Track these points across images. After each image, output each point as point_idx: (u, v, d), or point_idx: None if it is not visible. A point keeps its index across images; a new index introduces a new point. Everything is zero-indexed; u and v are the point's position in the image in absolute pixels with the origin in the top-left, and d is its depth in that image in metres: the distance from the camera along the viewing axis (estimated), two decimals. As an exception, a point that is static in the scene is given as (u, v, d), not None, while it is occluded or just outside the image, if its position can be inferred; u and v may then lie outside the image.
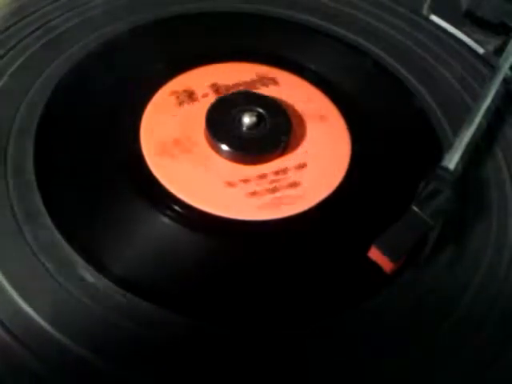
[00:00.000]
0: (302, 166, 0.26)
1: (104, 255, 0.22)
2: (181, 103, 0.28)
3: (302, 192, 0.25)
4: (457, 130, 0.27)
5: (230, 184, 0.25)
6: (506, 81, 0.30)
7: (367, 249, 0.22)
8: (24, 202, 0.23)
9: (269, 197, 0.25)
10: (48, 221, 0.23)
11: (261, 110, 0.27)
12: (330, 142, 0.28)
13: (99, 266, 0.22)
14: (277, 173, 0.26)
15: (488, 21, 0.35)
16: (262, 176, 0.26)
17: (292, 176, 0.26)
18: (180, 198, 0.24)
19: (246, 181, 0.25)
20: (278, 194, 0.25)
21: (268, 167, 0.26)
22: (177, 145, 0.26)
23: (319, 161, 0.27)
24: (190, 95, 0.28)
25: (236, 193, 0.25)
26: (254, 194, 0.25)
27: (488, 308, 0.22)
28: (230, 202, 0.25)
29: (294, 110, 0.28)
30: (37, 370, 0.19)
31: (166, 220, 0.24)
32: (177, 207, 0.24)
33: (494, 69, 0.30)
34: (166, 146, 0.26)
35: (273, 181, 0.26)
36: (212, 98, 0.28)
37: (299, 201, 0.25)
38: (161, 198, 0.24)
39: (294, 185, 0.26)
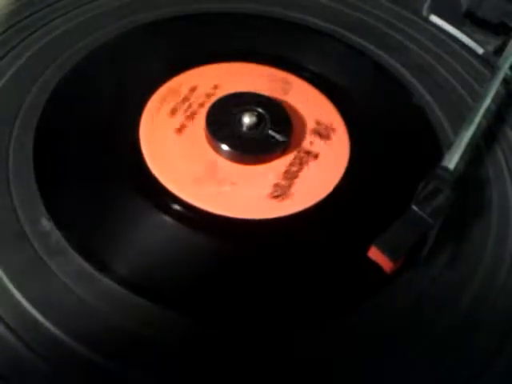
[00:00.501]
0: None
1: (104, 254, 0.22)
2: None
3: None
4: (457, 130, 0.27)
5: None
6: (505, 81, 0.30)
7: (367, 249, 0.22)
8: (24, 201, 0.23)
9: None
10: (48, 220, 0.23)
11: (261, 110, 0.27)
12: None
13: (99, 265, 0.22)
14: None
15: (488, 21, 0.34)
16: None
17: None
18: (179, 196, 0.24)
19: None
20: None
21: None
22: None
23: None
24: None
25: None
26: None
27: (488, 308, 0.22)
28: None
29: (295, 111, 0.28)
30: (38, 368, 0.19)
31: (165, 219, 0.24)
32: (176, 206, 0.24)
33: (493, 69, 0.30)
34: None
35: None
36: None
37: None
38: (160, 196, 0.24)
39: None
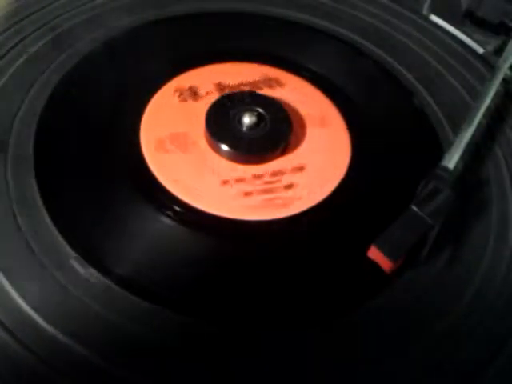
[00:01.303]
0: (302, 166, 0.26)
1: (104, 254, 0.22)
2: (184, 101, 0.28)
3: (303, 191, 0.25)
4: (457, 130, 0.27)
5: (230, 184, 0.25)
6: (505, 81, 0.30)
7: (367, 249, 0.22)
8: (24, 201, 0.23)
9: (270, 197, 0.25)
10: (48, 220, 0.23)
11: (261, 110, 0.27)
12: (331, 141, 0.28)
13: (99, 265, 0.22)
14: (277, 173, 0.26)
15: (488, 21, 0.35)
16: (262, 176, 0.26)
17: (292, 176, 0.26)
18: (179, 197, 0.24)
19: (245, 181, 0.25)
20: (278, 194, 0.25)
21: (269, 167, 0.26)
22: (178, 144, 0.26)
23: (320, 160, 0.27)
24: (194, 93, 0.28)
25: (236, 192, 0.25)
26: (254, 193, 0.25)
27: (488, 307, 0.22)
28: (229, 202, 0.25)
29: (295, 111, 0.28)
30: (37, 369, 0.19)
31: (164, 219, 0.24)
32: (176, 206, 0.24)
33: (493, 69, 0.30)
34: (167, 145, 0.26)
35: (270, 181, 0.26)
36: (215, 97, 0.28)
37: (299, 200, 0.25)
38: (160, 197, 0.24)
39: (294, 184, 0.26)
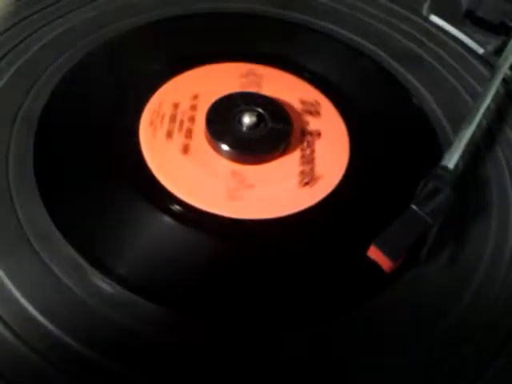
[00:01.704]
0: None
1: (104, 254, 0.22)
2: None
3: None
4: (457, 130, 0.27)
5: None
6: (505, 81, 0.30)
7: (367, 248, 0.22)
8: (25, 201, 0.23)
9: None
10: (48, 220, 0.23)
11: (261, 110, 0.27)
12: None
13: (99, 265, 0.22)
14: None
15: (488, 21, 0.34)
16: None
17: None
18: (179, 196, 0.24)
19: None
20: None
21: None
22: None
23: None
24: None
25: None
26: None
27: (488, 307, 0.22)
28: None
29: (294, 111, 0.28)
30: (38, 367, 0.19)
31: (165, 219, 0.24)
32: (176, 206, 0.24)
33: (493, 69, 0.30)
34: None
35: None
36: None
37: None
38: (159, 196, 0.24)
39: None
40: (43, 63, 0.29)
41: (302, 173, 0.26)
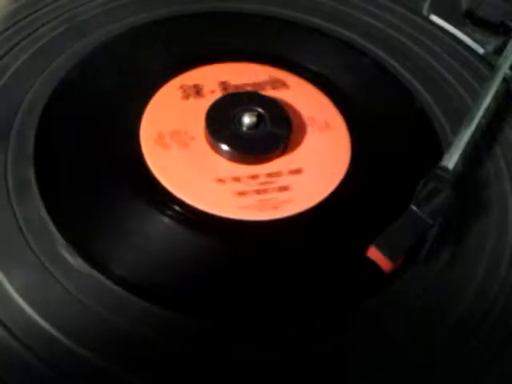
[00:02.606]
0: (301, 166, 0.26)
1: (104, 254, 0.22)
2: (186, 98, 0.28)
3: (303, 190, 0.25)
4: (456, 130, 0.27)
5: (231, 183, 0.25)
6: (505, 80, 0.30)
7: (366, 249, 0.22)
8: (24, 201, 0.23)
9: (271, 196, 0.25)
10: (48, 220, 0.23)
11: (261, 110, 0.27)
12: (331, 141, 0.28)
13: (99, 265, 0.22)
14: (276, 173, 0.26)
15: (488, 21, 0.34)
16: (262, 176, 0.26)
17: (293, 175, 0.26)
18: (179, 196, 0.24)
19: (246, 181, 0.25)
20: (278, 193, 0.25)
21: (269, 167, 0.26)
22: (178, 144, 0.26)
23: (320, 160, 0.27)
24: (198, 92, 0.28)
25: (236, 192, 0.25)
26: (254, 193, 0.25)
27: (488, 307, 0.22)
28: (229, 202, 0.25)
29: (295, 111, 0.28)
30: (37, 369, 0.19)
31: (165, 219, 0.24)
32: (175, 206, 0.24)
33: (493, 69, 0.30)
34: (167, 144, 0.26)
35: (270, 181, 0.26)
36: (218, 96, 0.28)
37: (299, 199, 0.25)
38: (159, 196, 0.24)
39: (294, 183, 0.26)
40: (43, 63, 0.29)
41: None
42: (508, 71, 0.30)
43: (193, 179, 0.25)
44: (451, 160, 0.25)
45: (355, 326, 0.22)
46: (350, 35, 0.33)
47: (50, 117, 0.27)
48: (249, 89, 0.29)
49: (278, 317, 0.22)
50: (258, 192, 0.25)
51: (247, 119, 0.26)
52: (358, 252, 0.22)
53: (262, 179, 0.26)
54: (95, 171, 0.25)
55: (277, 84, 0.30)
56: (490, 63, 0.32)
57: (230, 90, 0.29)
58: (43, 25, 0.30)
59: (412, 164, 0.27)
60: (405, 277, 0.23)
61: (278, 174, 0.26)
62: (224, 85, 0.29)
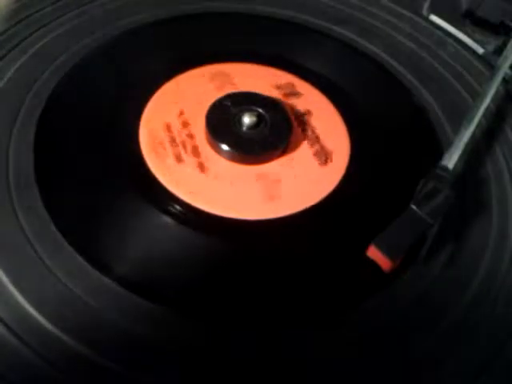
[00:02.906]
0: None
1: (104, 254, 0.22)
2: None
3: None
4: (456, 130, 0.27)
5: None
6: (505, 80, 0.30)
7: (366, 248, 0.22)
8: (25, 201, 0.23)
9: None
10: (48, 220, 0.23)
11: (261, 110, 0.27)
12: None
13: (99, 265, 0.22)
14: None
15: (488, 21, 0.34)
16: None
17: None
18: (179, 196, 0.24)
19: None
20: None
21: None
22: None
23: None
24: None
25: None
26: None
27: (488, 307, 0.22)
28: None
29: (294, 110, 0.28)
30: (38, 368, 0.19)
31: (165, 219, 0.24)
32: (176, 206, 0.24)
33: (493, 69, 0.30)
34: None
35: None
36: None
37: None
38: (159, 196, 0.24)
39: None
40: (43, 63, 0.29)
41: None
42: (508, 71, 0.30)
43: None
44: (451, 160, 0.25)
45: (355, 325, 0.22)
46: (350, 35, 0.33)
47: (50, 117, 0.27)
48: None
49: (278, 317, 0.22)
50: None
51: (247, 119, 0.26)
52: (358, 252, 0.22)
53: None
54: (95, 171, 0.25)
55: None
56: (490, 63, 0.32)
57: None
58: (44, 25, 0.31)
59: (412, 164, 0.27)
60: (405, 277, 0.23)
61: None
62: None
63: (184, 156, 0.26)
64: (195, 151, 0.26)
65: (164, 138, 0.27)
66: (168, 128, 0.27)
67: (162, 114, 0.28)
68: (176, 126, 0.27)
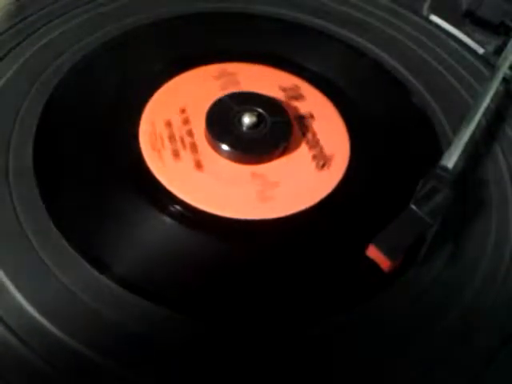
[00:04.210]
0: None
1: (104, 254, 0.22)
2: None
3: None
4: (456, 130, 0.27)
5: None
6: (505, 80, 0.30)
7: (366, 248, 0.22)
8: (25, 201, 0.23)
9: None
10: (48, 220, 0.23)
11: (261, 110, 0.27)
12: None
13: (99, 265, 0.22)
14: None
15: (488, 21, 0.35)
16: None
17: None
18: (179, 196, 0.24)
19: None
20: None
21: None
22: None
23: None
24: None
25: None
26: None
27: (488, 307, 0.22)
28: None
29: (294, 110, 0.28)
30: (38, 368, 0.19)
31: (165, 219, 0.24)
32: (176, 206, 0.24)
33: (493, 69, 0.30)
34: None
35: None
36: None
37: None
38: (159, 196, 0.24)
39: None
40: (43, 63, 0.29)
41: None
42: (508, 71, 0.30)
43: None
44: (451, 159, 0.25)
45: (355, 325, 0.22)
46: (349, 35, 0.33)
47: (50, 116, 0.27)
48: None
49: (278, 317, 0.22)
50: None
51: (247, 119, 0.26)
52: (358, 252, 0.22)
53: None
54: (95, 171, 0.25)
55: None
56: (490, 63, 0.32)
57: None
58: (44, 25, 0.31)
59: (412, 164, 0.27)
60: (405, 277, 0.23)
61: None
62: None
63: (182, 153, 0.26)
64: (193, 148, 0.26)
65: (163, 134, 0.27)
66: (168, 124, 0.27)
67: (164, 110, 0.28)
68: (177, 122, 0.27)
